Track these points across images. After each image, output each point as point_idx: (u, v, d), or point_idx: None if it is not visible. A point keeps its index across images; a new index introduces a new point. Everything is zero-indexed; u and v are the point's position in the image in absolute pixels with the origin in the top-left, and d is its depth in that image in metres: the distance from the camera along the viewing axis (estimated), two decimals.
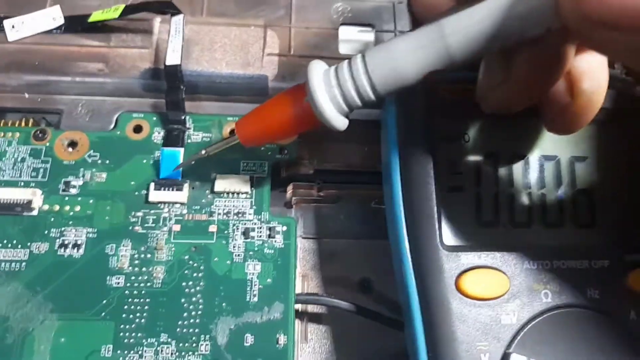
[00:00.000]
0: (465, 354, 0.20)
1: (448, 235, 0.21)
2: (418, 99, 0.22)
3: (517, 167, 0.23)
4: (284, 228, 0.24)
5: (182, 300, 0.22)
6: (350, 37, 0.29)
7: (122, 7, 0.26)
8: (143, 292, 0.22)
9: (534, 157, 0.23)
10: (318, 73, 0.19)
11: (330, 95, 0.19)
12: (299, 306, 0.26)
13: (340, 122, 0.20)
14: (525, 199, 0.22)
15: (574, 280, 0.21)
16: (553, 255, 0.21)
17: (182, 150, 0.25)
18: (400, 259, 0.21)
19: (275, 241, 0.24)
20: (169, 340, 0.22)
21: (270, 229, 0.24)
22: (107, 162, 0.25)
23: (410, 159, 0.22)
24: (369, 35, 0.29)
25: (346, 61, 0.19)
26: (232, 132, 0.26)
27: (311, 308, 0.26)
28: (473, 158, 0.23)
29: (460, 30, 0.17)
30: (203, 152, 0.23)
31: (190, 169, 0.25)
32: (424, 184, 0.21)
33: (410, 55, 0.18)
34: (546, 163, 0.23)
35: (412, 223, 0.21)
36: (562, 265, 0.21)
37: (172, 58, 0.25)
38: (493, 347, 0.20)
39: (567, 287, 0.21)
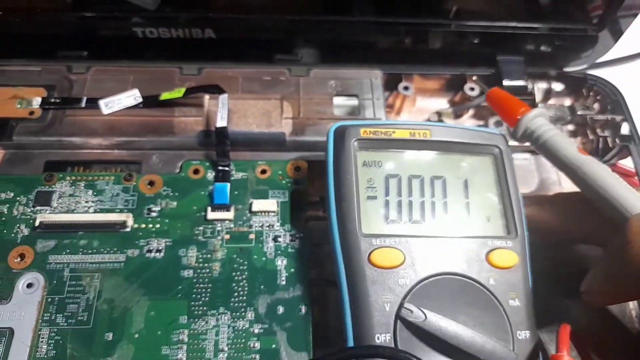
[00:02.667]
0: (374, 304, 0.27)
1: (365, 227, 0.30)
2: (346, 137, 0.32)
3: (415, 183, 0.32)
4: (301, 235, 0.34)
5: (233, 284, 0.32)
6: (341, 104, 0.41)
7: (184, 89, 0.38)
8: (206, 280, 0.32)
9: (427, 177, 0.32)
10: None
11: None
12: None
13: None
14: (418, 204, 0.31)
15: (450, 257, 0.29)
16: (435, 241, 0.30)
17: (228, 184, 0.35)
18: (334, 244, 0.30)
19: (295, 244, 0.34)
20: (226, 311, 0.31)
21: (291, 235, 0.34)
22: (177, 194, 0.35)
23: (342, 178, 0.31)
24: (354, 102, 0.41)
25: None
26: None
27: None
28: (383, 177, 0.31)
29: None
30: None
31: (235, 196, 0.35)
32: (350, 195, 0.30)
33: None
34: (435, 181, 0.32)
35: (341, 220, 0.30)
36: (442, 247, 0.29)
37: (221, 122, 0.36)
38: (393, 299, 0.28)
39: (445, 261, 0.29)
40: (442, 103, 0.45)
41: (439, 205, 0.32)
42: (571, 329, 0.27)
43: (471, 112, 0.45)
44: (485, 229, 0.31)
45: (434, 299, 0.28)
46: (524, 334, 0.28)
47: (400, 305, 0.28)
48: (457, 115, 0.44)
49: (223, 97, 0.37)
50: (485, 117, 0.44)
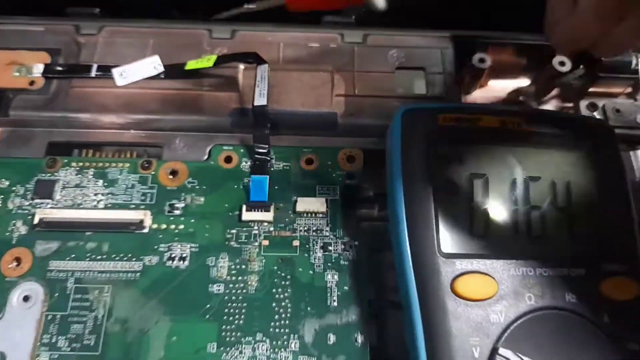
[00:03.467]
0: (459, 348, 0.22)
1: (445, 244, 0.24)
2: (420, 125, 0.26)
3: (505, 186, 0.26)
4: (356, 243, 0.28)
5: (274, 304, 0.26)
6: (404, 78, 0.33)
7: (214, 57, 0.31)
8: (240, 297, 0.26)
9: (519, 178, 0.26)
10: None
11: None
12: None
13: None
14: (512, 214, 0.25)
15: (554, 285, 0.24)
16: (536, 263, 0.24)
17: (267, 177, 0.29)
18: (403, 265, 0.24)
19: (349, 255, 0.28)
20: (264, 338, 0.25)
21: (344, 243, 0.28)
22: (204, 187, 0.29)
23: (413, 178, 0.25)
24: (420, 76, 0.33)
25: None
26: None
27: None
28: (467, 178, 0.26)
29: None
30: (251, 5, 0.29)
31: (275, 192, 0.29)
32: (425, 201, 0.24)
33: None
34: (531, 183, 0.26)
35: (413, 233, 0.24)
36: (544, 273, 0.24)
37: (260, 100, 0.29)
38: (483, 342, 0.22)
39: (548, 292, 0.24)
40: (520, 80, 0.37)
41: (538, 217, 0.25)
42: None
43: (555, 92, 0.37)
44: (596, 249, 0.25)
45: (534, 341, 0.23)
46: None
47: (494, 351, 0.23)
48: (540, 96, 0.36)
49: (262, 69, 0.30)
50: (574, 99, 0.36)
